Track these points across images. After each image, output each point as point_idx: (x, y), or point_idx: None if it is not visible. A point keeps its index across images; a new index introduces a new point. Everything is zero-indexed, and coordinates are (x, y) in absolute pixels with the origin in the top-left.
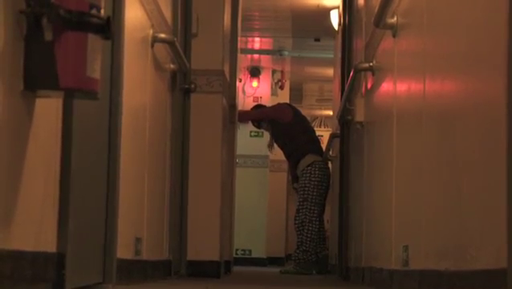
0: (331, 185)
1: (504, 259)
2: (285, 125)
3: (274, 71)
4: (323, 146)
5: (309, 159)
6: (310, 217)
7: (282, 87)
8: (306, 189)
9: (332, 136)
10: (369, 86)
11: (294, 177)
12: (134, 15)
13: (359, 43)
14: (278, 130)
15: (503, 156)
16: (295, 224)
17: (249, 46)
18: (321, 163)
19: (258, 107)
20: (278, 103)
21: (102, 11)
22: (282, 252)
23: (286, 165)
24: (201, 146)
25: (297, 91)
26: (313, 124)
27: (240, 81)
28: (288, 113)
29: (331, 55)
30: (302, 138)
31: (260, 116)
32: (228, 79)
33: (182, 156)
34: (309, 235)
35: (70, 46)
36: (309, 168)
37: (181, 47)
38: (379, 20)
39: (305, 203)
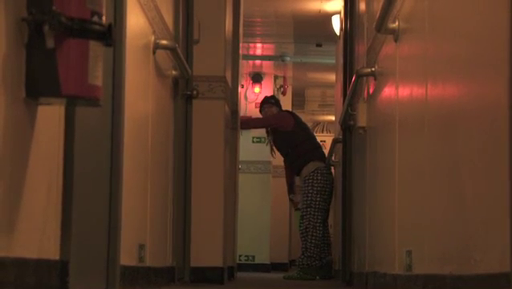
0: (334, 191)
1: (507, 263)
2: (287, 133)
3: (276, 77)
4: (326, 151)
5: (312, 166)
6: (314, 224)
7: (284, 93)
8: (310, 195)
9: (335, 142)
10: (371, 91)
11: (290, 186)
12: (136, 22)
13: (360, 48)
14: (280, 138)
15: (506, 160)
16: (300, 230)
17: (251, 52)
18: (324, 169)
19: (267, 101)
20: (280, 112)
21: (103, 18)
22: (285, 258)
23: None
24: (204, 152)
25: (299, 97)
26: (315, 130)
27: (242, 87)
28: (290, 121)
29: (333, 61)
30: (305, 146)
31: (262, 124)
32: (230, 85)
33: (185, 163)
34: (313, 241)
35: (71, 53)
36: (312, 174)
37: (183, 54)
38: (381, 25)
39: (308, 209)
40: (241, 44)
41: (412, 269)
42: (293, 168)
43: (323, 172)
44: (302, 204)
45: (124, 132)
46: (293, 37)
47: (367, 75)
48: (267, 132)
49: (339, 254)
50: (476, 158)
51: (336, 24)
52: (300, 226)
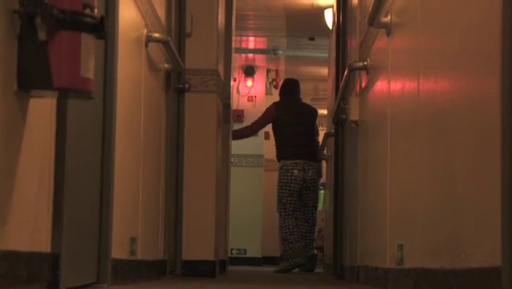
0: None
1: (498, 257)
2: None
3: (268, 70)
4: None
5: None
6: (283, 216)
7: (276, 86)
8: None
9: (327, 135)
10: (363, 85)
11: (240, 133)
12: (128, 15)
13: (353, 42)
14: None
15: (497, 154)
16: (309, 224)
17: (244, 46)
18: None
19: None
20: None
21: (95, 11)
22: (277, 251)
23: None
24: (196, 146)
25: None
26: None
27: (234, 80)
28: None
29: (326, 54)
30: (282, 140)
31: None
32: (222, 78)
33: (177, 156)
34: (286, 230)
35: (63, 45)
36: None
37: (176, 47)
38: (374, 19)
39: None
40: (233, 37)
41: (404, 263)
42: (303, 151)
43: (287, 169)
44: (313, 201)
45: (116, 125)
46: (285, 30)
47: (360, 68)
48: None
49: (330, 247)
50: (467, 152)
51: (329, 18)
52: (309, 221)
